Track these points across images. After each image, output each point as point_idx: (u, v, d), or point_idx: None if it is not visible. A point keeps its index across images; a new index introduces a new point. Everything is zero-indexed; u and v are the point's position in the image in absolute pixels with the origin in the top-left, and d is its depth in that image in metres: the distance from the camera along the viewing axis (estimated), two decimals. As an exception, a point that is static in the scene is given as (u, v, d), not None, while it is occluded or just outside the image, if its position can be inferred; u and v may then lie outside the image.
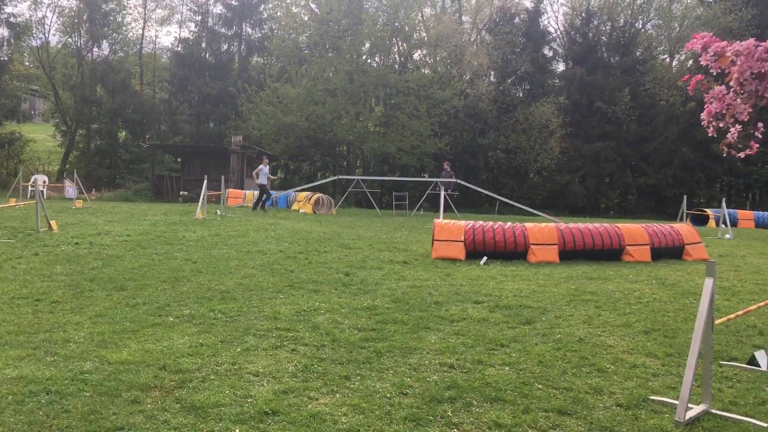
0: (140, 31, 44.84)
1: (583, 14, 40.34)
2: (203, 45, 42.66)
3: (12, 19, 38.05)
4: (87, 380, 4.38)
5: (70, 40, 42.19)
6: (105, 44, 42.34)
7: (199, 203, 16.87)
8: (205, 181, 17.57)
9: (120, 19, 42.25)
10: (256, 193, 21.84)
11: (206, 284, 7.78)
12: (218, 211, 18.12)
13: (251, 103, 35.31)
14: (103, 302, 6.74)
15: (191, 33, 43.81)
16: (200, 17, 42.98)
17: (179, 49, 43.00)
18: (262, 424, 3.76)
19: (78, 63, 41.69)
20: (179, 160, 35.46)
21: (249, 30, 43.40)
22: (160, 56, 48.33)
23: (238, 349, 5.18)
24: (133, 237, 11.74)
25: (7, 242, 10.87)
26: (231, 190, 24.45)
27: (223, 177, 19.47)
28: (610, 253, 10.91)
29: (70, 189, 28.33)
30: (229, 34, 42.92)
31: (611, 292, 7.97)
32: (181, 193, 29.81)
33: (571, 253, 10.75)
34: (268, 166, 20.93)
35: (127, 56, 44.65)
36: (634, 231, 11.22)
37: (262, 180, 20.58)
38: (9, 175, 36.09)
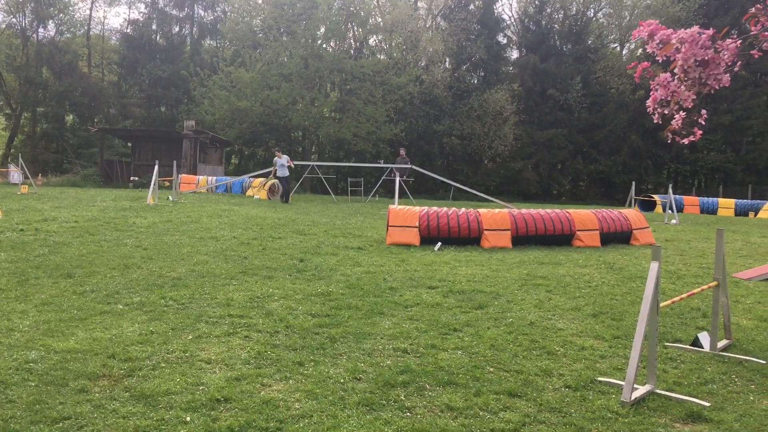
0: (88, 12, 43.63)
1: (537, 2, 40.70)
2: (154, 27, 41.62)
3: (-49, -3, 36.49)
4: (32, 369, 4.26)
5: (14, 20, 40.62)
6: (51, 25, 40.98)
7: (150, 189, 16.54)
8: (157, 167, 17.22)
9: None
10: (211, 179, 21.59)
11: (157, 271, 7.64)
12: (170, 196, 17.80)
13: (204, 87, 34.68)
14: (49, 290, 6.56)
15: (141, 14, 42.72)
16: (150, -2, 41.92)
17: (129, 30, 41.85)
18: (214, 411, 3.72)
19: (23, 44, 40.19)
20: (129, 144, 34.62)
21: (201, 12, 42.56)
22: (109, 38, 46.96)
23: (190, 337, 5.11)
24: (81, 223, 11.44)
25: (-53, 229, 10.48)
26: (184, 175, 24.03)
27: (175, 162, 19.08)
28: (562, 239, 11.12)
29: (14, 174, 27.39)
30: (181, 15, 41.99)
31: (562, 276, 8.13)
32: (132, 178, 29.16)
33: (524, 238, 10.91)
34: (284, 157, 20.40)
35: (75, 38, 43.25)
36: (585, 217, 11.45)
37: (282, 172, 20.22)
38: (-51, 160, 34.75)
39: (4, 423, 3.52)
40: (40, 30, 40.37)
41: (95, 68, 44.37)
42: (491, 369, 4.61)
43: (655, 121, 3.56)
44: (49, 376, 4.15)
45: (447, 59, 38.85)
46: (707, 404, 4.05)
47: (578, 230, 11.17)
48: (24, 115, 39.92)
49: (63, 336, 5.03)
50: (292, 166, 21.18)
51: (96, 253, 8.71)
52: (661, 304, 4.52)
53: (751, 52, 3.23)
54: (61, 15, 40.91)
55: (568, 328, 5.73)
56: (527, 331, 5.59)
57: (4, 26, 41.85)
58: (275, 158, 20.46)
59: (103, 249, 9.03)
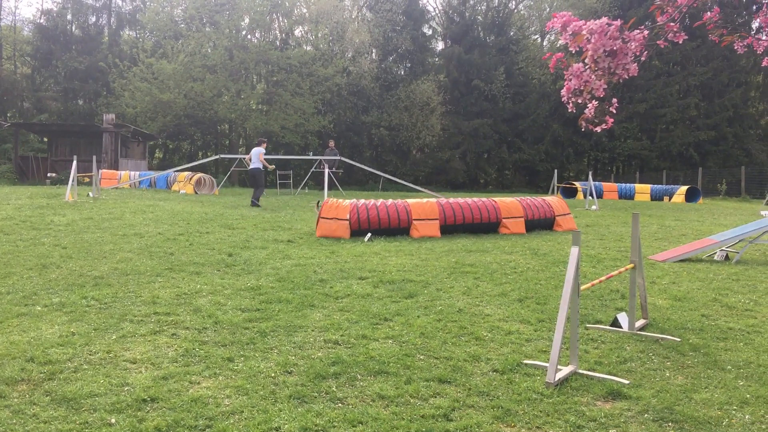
0: (-3, 1, 41.27)
1: (460, -7, 41.27)
2: (69, 17, 39.93)
3: None
4: (-57, 378, 4.05)
5: None
6: (-44, 14, 38.72)
7: (69, 185, 15.91)
8: (75, 162, 16.58)
9: (-28, -13, 38.75)
10: (134, 173, 20.72)
11: (78, 270, 7.38)
12: (90, 193, 17.18)
13: (124, 79, 33.56)
14: (-40, 294, 6.23)
15: (55, 4, 40.87)
16: (65, -14, 40.17)
17: (42, 21, 39.99)
18: (140, 411, 3.63)
19: (-76, 34, 37.89)
20: (46, 140, 33.15)
21: (119, 2, 41.21)
22: (21, 29, 44.71)
23: (114, 337, 4.96)
24: (-5, 223, 10.91)
25: None
26: (104, 171, 23.21)
27: (94, 157, 18.42)
28: (488, 227, 11.37)
29: None
30: (98, 5, 40.46)
31: (489, 263, 8.31)
32: (49, 174, 27.96)
33: (452, 227, 11.10)
34: (262, 147, 17.37)
35: (-17, 28, 41.05)
36: (510, 205, 11.73)
37: (255, 163, 17.18)
38: None
39: None
40: (-55, 20, 38.16)
41: (7, 60, 42.18)
42: (421, 357, 4.67)
43: (570, 110, 3.69)
44: (-37, 384, 3.96)
45: (374, 50, 38.93)
46: (627, 382, 4.24)
47: (504, 218, 11.44)
48: (-72, 109, 37.67)
49: (-23, 341, 4.80)
50: (269, 167, 17.90)
51: (11, 253, 8.33)
52: (582, 287, 4.69)
53: (658, 42, 3.39)
54: (-33, 4, 38.73)
55: (495, 314, 5.87)
56: (456, 318, 5.70)
57: None
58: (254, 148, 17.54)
59: (19, 249, 8.65)
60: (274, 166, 18.84)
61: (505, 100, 38.80)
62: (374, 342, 4.98)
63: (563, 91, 3.42)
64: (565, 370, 4.35)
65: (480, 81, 38.17)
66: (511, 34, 40.93)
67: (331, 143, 25.30)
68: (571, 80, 3.33)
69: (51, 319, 5.42)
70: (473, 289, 6.81)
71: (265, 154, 17.30)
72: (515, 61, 39.33)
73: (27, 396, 3.81)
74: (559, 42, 39.65)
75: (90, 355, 4.54)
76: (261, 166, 17.20)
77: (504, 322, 5.60)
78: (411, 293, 6.57)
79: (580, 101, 3.40)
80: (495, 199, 12.11)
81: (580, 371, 4.40)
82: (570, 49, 3.31)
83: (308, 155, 28.19)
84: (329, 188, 18.55)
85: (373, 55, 39.13)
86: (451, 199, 11.88)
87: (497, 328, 5.41)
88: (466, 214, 11.23)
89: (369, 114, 37.07)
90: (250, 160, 17.47)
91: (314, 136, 34.74)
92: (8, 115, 38.63)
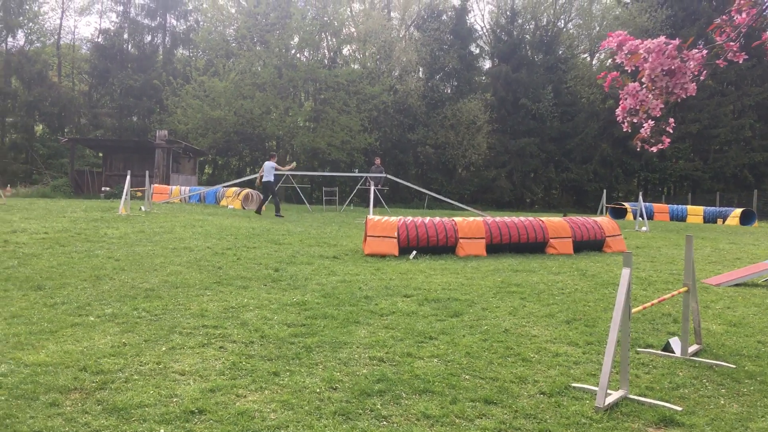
0: (58, 21, 43.11)
1: (508, 12, 41.21)
2: (125, 36, 41.31)
3: None
4: (2, 383, 4.18)
5: (-19, 29, 40.08)
6: (20, 34, 40.47)
7: (122, 199, 16.35)
8: (129, 177, 17.04)
9: (36, 9, 40.47)
10: (184, 188, 21.23)
11: (129, 282, 7.55)
12: (142, 207, 17.61)
13: (177, 96, 34.44)
14: (19, 302, 6.44)
15: (112, 24, 42.40)
16: (122, 7, 41.64)
17: (100, 40, 41.45)
18: (188, 423, 3.68)
19: (-9, 53, 39.65)
20: (101, 154, 34.19)
21: (174, 21, 42.37)
22: (80, 47, 46.45)
23: (163, 348, 5.05)
24: (51, 234, 11.26)
25: None
26: (156, 185, 23.79)
27: (147, 172, 18.89)
28: (535, 246, 11.23)
29: (-18, 185, 26.91)
30: (153, 25, 41.74)
31: (536, 283, 8.20)
32: (103, 188, 28.77)
33: (498, 246, 11.00)
34: (273, 161, 18.99)
35: (44, 47, 42.73)
36: (558, 225, 11.57)
37: (268, 176, 18.65)
38: None
39: (-28, 439, 3.45)
40: (9, 39, 39.90)
41: (66, 78, 43.84)
42: (467, 376, 4.62)
43: (625, 130, 3.63)
44: (20, 390, 4.07)
45: (420, 69, 39.11)
46: (679, 409, 4.11)
47: (551, 238, 11.29)
48: (-8, 125, 39.33)
49: (33, 349, 4.94)
50: (281, 169, 19.69)
51: (67, 264, 8.58)
52: (633, 310, 4.59)
53: (717, 61, 3.32)
54: (30, 24, 40.43)
55: (543, 335, 5.77)
56: (502, 338, 5.63)
57: (-29, 36, 41.27)
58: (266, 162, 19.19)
59: (74, 260, 8.90)
60: (295, 163, 21.14)
61: (552, 119, 38.45)
62: (419, 360, 4.95)
63: (618, 111, 3.37)
64: (615, 395, 4.24)
65: (527, 100, 37.95)
66: (560, 52, 40.63)
67: (377, 161, 25.44)
68: (626, 99, 3.28)
69: (103, 329, 5.55)
70: (519, 310, 6.72)
71: (310, 170, 17.97)
72: (563, 80, 39.00)
73: (79, 404, 3.90)
74: (608, 61, 39.22)
75: (140, 365, 4.63)
76: (273, 179, 18.71)
77: (551, 344, 5.51)
78: (456, 312, 6.52)
79: (635, 121, 3.34)
80: (542, 218, 11.97)
81: (631, 396, 4.29)
82: (625, 68, 3.27)
83: (354, 172, 28.37)
84: (375, 205, 18.62)
85: (420, 73, 39.31)
86: (497, 218, 11.78)
87: (544, 350, 5.32)
88: (513, 233, 11.13)
89: (415, 132, 37.17)
90: (263, 173, 18.77)
91: (360, 153, 34.98)
92: (65, 130, 40.02)
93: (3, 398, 3.95)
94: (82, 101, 41.00)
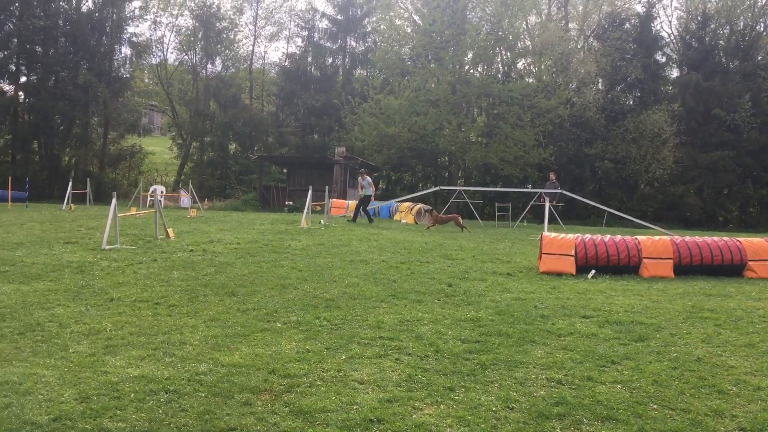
0: (250, 48, 46.83)
1: (699, 18, 38.38)
2: (309, 59, 43.93)
3: (134, 39, 40.85)
4: (202, 381, 4.56)
5: (186, 57, 44.74)
6: (218, 61, 44.58)
7: (304, 213, 17.30)
8: (310, 191, 18.00)
9: (232, 37, 44.29)
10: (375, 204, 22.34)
11: (311, 292, 7.95)
12: (322, 220, 18.51)
13: (354, 114, 35.97)
14: (216, 307, 7.02)
15: (298, 48, 45.29)
16: (306, 32, 44.37)
17: (286, 63, 44.51)
18: (368, 431, 3.77)
19: (193, 79, 44.07)
20: (285, 170, 36.58)
21: (353, 43, 44.36)
22: (269, 71, 50.22)
23: (343, 357, 5.24)
24: (243, 245, 12.18)
25: (128, 249, 11.57)
26: (334, 200, 24.93)
27: (327, 187, 19.87)
28: (730, 269, 10.27)
29: (184, 199, 29.88)
30: (334, 47, 44.02)
31: (732, 309, 7.48)
32: (287, 202, 30.69)
33: (687, 267, 10.20)
34: (367, 178, 20.19)
35: (238, 72, 46.69)
36: (758, 245, 10.49)
37: (368, 189, 20.06)
38: (130, 186, 38.53)
39: (177, 430, 3.78)
40: (209, 66, 44.09)
41: (256, 100, 47.56)
42: (655, 406, 4.32)
43: None
44: (217, 388, 4.42)
45: (600, 80, 37.55)
46: None
47: (750, 260, 10.25)
48: (193, 144, 43.53)
49: (228, 350, 5.35)
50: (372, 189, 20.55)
51: (256, 273, 9.22)
52: None
53: None
54: (227, 51, 44.34)
55: (741, 366, 5.25)
56: (694, 367, 5.19)
57: (177, 63, 46.13)
58: (359, 179, 20.35)
59: (263, 269, 9.54)
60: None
61: (750, 131, 35.09)
62: (601, 385, 4.71)
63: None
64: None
65: (721, 110, 34.99)
66: (759, 58, 37.08)
67: (552, 176, 24.74)
68: None
69: (289, 335, 5.88)
70: (714, 337, 6.16)
71: (482, 186, 18.12)
72: (763, 88, 35.46)
73: (269, 405, 4.15)
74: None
75: (323, 372, 4.84)
76: (372, 193, 20.09)
77: (752, 376, 4.99)
78: (641, 336, 6.12)
79: None
80: (738, 238, 10.92)
81: None
82: None
83: (527, 188, 27.82)
84: (549, 222, 18.11)
85: (599, 85, 37.74)
86: (686, 237, 10.94)
87: (743, 382, 4.83)
88: (704, 254, 10.26)
89: (593, 146, 35.72)
90: (362, 187, 20.02)
91: (534, 168, 34.22)
92: (255, 148, 43.30)
93: (203, 395, 4.31)
94: (270, 121, 44.19)
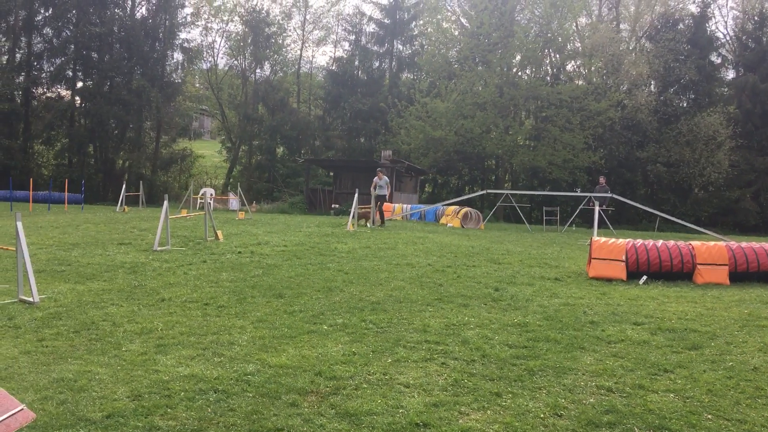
0: (298, 52, 47.35)
1: (756, 18, 37.23)
2: (356, 63, 44.21)
3: (186, 45, 41.78)
4: (250, 381, 4.62)
5: (235, 62, 45.56)
6: (267, 65, 45.23)
7: (350, 216, 17.39)
8: (356, 195, 18.09)
9: (280, 42, 44.84)
10: (406, 206, 21.98)
11: (357, 295, 7.97)
12: (368, 224, 18.57)
13: (401, 118, 36.00)
14: (263, 308, 7.10)
15: (345, 52, 45.66)
16: (354, 36, 44.69)
17: (333, 67, 44.88)
18: (414, 435, 3.76)
19: (242, 83, 44.81)
20: (331, 174, 36.88)
21: (400, 47, 44.45)
22: (316, 75, 50.72)
23: (389, 360, 5.23)
24: (290, 247, 12.31)
25: (179, 250, 11.81)
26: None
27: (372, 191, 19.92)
28: (790, 276, 9.89)
29: (233, 201, 30.38)
30: (381, 51, 44.19)
31: (792, 318, 7.21)
32: (333, 205, 30.90)
33: (744, 274, 9.87)
34: (384, 179, 19.45)
35: (286, 76, 47.27)
36: (819, 252, 10.08)
37: (385, 190, 19.31)
38: (181, 188, 39.41)
39: (226, 430, 3.83)
40: (257, 70, 44.75)
41: (303, 104, 48.05)
42: (709, 416, 4.18)
43: None
44: (265, 389, 4.47)
45: (652, 82, 36.72)
46: None
47: (811, 267, 9.86)
48: (242, 148, 44.25)
49: (276, 352, 5.41)
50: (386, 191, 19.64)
51: (303, 275, 9.30)
52: None
53: None
54: (275, 56, 44.94)
55: (803, 378, 5.04)
56: (751, 377, 5.02)
57: (227, 68, 46.97)
58: (375, 178, 19.52)
59: (309, 272, 9.62)
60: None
61: (810, 133, 33.86)
62: (653, 394, 4.59)
63: None
64: None
65: (778, 112, 33.85)
66: (818, 58, 35.75)
67: (602, 180, 24.28)
68: None
69: (335, 338, 5.90)
70: (772, 347, 5.95)
71: (530, 189, 17.65)
72: (823, 89, 34.21)
73: (315, 407, 4.17)
74: None
75: (368, 375, 4.84)
76: (386, 193, 19.39)
77: (814, 389, 4.78)
78: (695, 344, 5.94)
79: None
80: (799, 245, 10.52)
81: None
82: None
83: (576, 192, 27.37)
84: (599, 227, 17.78)
85: (652, 87, 36.91)
86: (743, 243, 10.59)
87: (804, 395, 4.64)
88: (762, 260, 9.91)
89: (644, 149, 34.94)
90: (379, 187, 19.12)
91: (583, 172, 33.66)
92: (302, 151, 43.77)
93: (250, 395, 4.36)
94: (316, 125, 44.61)
